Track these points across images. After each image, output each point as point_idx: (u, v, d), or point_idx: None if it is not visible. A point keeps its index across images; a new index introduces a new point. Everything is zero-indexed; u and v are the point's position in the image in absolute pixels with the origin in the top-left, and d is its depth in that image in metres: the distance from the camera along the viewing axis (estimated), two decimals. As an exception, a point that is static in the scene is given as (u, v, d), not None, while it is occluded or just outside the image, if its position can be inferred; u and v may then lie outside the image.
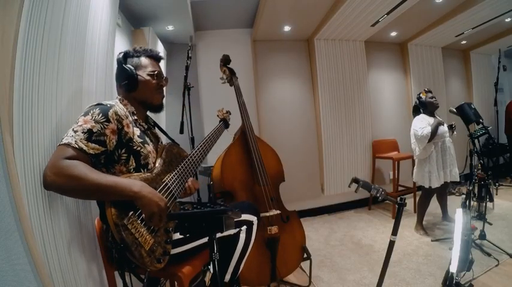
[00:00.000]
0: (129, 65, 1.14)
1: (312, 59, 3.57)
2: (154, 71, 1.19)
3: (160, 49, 2.81)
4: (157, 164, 1.10)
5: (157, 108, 1.24)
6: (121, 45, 2.13)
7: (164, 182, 1.07)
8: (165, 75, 1.26)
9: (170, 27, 2.79)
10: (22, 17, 0.84)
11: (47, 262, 0.89)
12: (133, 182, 0.93)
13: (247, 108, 2.07)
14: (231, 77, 2.12)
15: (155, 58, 1.23)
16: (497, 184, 3.81)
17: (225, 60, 2.15)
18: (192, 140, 2.12)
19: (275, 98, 3.50)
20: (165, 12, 2.48)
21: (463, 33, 3.75)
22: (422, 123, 2.50)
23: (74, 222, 1.09)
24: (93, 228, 1.22)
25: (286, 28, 3.21)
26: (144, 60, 1.19)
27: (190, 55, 2.05)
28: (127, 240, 0.88)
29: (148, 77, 1.17)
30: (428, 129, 2.44)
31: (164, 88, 1.26)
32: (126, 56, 1.17)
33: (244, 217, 1.32)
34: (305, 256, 2.04)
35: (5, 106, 0.77)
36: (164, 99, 1.27)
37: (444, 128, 2.55)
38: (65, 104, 1.09)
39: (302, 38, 3.56)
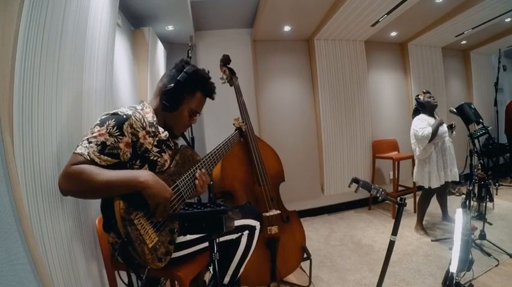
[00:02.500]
0: (183, 91, 1.12)
1: (312, 59, 3.57)
2: (196, 113, 1.19)
3: (160, 49, 2.81)
4: (170, 165, 1.10)
5: (175, 137, 1.24)
6: (121, 45, 2.13)
7: (175, 183, 1.08)
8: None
9: (170, 27, 2.78)
10: (22, 17, 0.84)
11: (47, 262, 0.89)
12: (140, 172, 0.95)
13: (247, 108, 2.07)
14: (231, 77, 2.12)
15: (208, 97, 1.23)
16: (497, 184, 3.81)
17: (225, 60, 2.15)
18: (192, 140, 2.13)
19: (275, 98, 3.50)
20: (165, 12, 2.47)
21: (463, 33, 3.75)
22: (422, 124, 2.50)
23: (74, 222, 1.09)
24: (93, 228, 1.22)
25: (286, 28, 3.21)
26: (198, 94, 1.17)
27: (190, 55, 2.05)
28: (131, 235, 0.89)
29: (186, 113, 1.16)
30: (428, 130, 2.44)
31: None
32: (194, 75, 1.13)
33: (247, 221, 1.31)
34: (305, 256, 2.04)
35: (5, 106, 0.77)
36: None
37: (444, 128, 2.55)
38: (65, 104, 1.08)
39: (302, 38, 3.56)
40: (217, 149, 1.33)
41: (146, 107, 1.13)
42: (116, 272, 1.16)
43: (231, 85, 2.13)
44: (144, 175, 0.94)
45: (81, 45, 1.21)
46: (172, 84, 1.11)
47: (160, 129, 1.12)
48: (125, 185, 0.90)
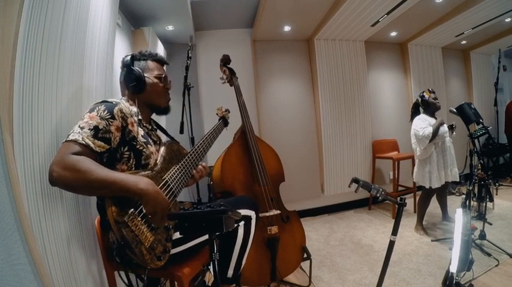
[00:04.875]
0: (136, 67, 1.17)
1: (312, 59, 3.57)
2: (161, 75, 1.22)
3: (160, 49, 2.81)
4: (157, 162, 1.11)
5: (164, 111, 1.27)
6: (121, 45, 2.13)
7: (164, 179, 1.07)
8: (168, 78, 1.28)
9: (170, 27, 2.79)
10: (22, 17, 0.84)
11: (47, 262, 0.89)
12: (140, 179, 0.94)
13: (247, 108, 2.07)
14: (231, 77, 2.12)
15: (160, 62, 1.27)
16: (497, 184, 3.81)
17: (225, 60, 2.15)
18: (192, 140, 2.13)
19: (275, 98, 3.50)
20: (165, 12, 2.48)
21: (463, 33, 3.75)
22: (423, 124, 2.50)
23: (74, 222, 1.09)
24: (93, 228, 1.22)
25: (286, 28, 3.21)
26: (150, 63, 1.22)
27: (190, 55, 2.05)
28: (127, 237, 0.88)
29: (156, 80, 1.21)
30: (429, 130, 2.44)
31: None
32: (133, 59, 1.19)
33: (242, 212, 1.32)
34: (305, 256, 2.04)
35: (5, 106, 0.77)
36: (170, 101, 1.30)
37: (444, 128, 2.55)
38: (65, 104, 1.09)
39: (302, 38, 3.56)
40: (203, 141, 1.35)
41: (127, 100, 1.17)
42: (115, 272, 1.16)
43: (231, 85, 2.14)
44: (144, 182, 0.93)
45: (81, 45, 1.21)
46: (125, 69, 1.17)
47: (143, 122, 1.17)
48: (123, 188, 0.89)
